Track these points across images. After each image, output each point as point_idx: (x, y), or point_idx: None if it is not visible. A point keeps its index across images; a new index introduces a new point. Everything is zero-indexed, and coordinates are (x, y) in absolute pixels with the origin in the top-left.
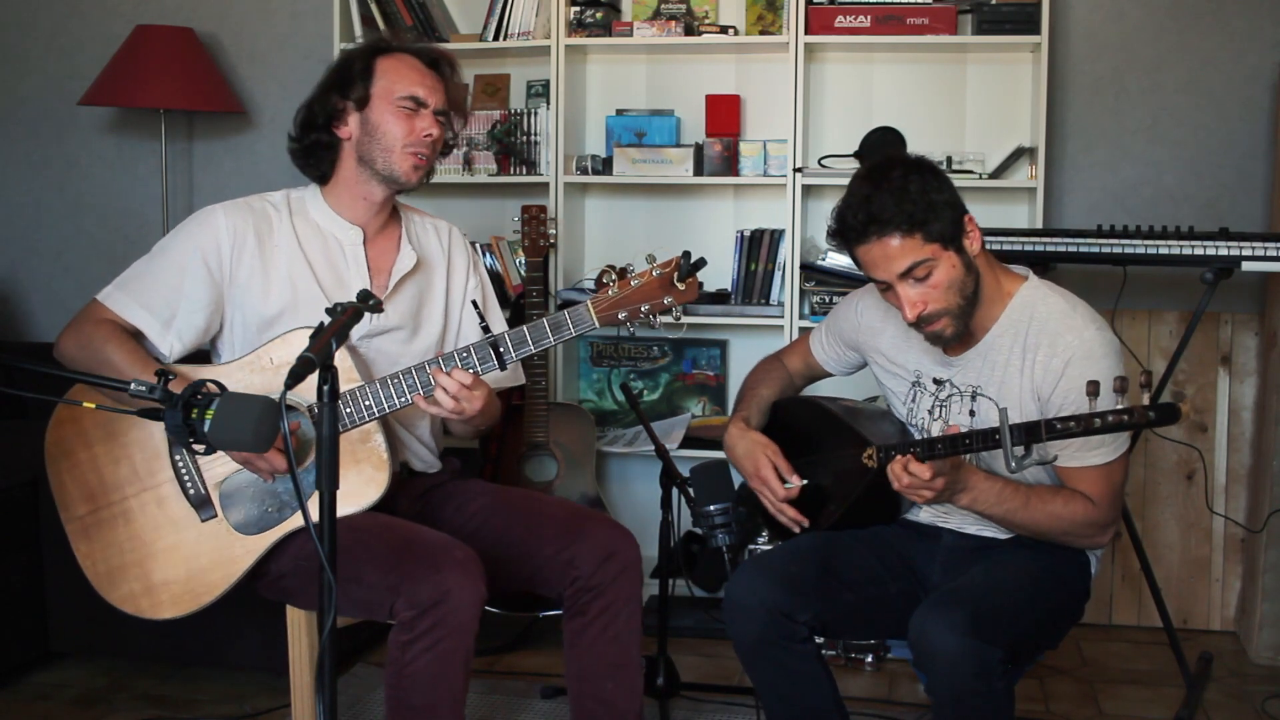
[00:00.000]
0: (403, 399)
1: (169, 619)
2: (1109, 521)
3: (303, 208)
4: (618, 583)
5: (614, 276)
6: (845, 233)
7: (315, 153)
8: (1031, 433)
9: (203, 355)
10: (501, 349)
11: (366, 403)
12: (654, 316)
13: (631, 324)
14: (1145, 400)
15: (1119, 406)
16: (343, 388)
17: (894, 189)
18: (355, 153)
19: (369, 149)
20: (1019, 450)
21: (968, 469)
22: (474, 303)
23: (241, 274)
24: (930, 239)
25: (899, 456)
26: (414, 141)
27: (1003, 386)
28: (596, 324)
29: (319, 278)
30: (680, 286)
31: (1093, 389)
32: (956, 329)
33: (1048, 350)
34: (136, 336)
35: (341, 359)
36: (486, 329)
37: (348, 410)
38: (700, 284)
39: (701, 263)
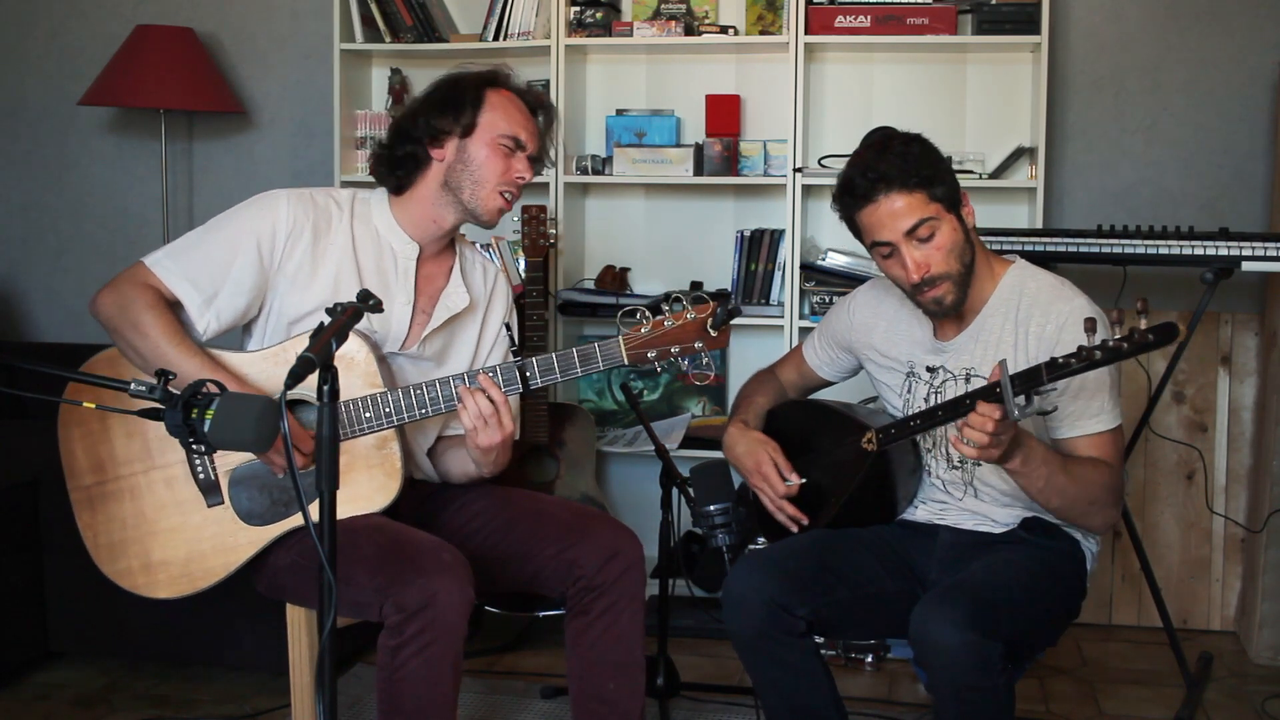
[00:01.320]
0: (423, 410)
1: (163, 599)
2: (1122, 488)
3: (366, 211)
4: (621, 582)
5: (648, 315)
6: (852, 192)
7: (403, 164)
8: (1032, 377)
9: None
10: (528, 374)
11: (387, 410)
12: (684, 359)
13: (660, 364)
14: (1143, 325)
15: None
16: (366, 393)
17: (898, 153)
18: (443, 176)
19: (459, 178)
20: (1020, 399)
21: (1018, 426)
22: (506, 325)
23: (290, 266)
24: (934, 199)
25: (960, 423)
26: (507, 182)
27: None
28: (626, 361)
29: (365, 283)
30: (713, 333)
31: (1090, 325)
32: (956, 296)
33: (1040, 320)
34: (175, 307)
35: (367, 364)
36: (517, 353)
37: (367, 415)
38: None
39: (737, 311)
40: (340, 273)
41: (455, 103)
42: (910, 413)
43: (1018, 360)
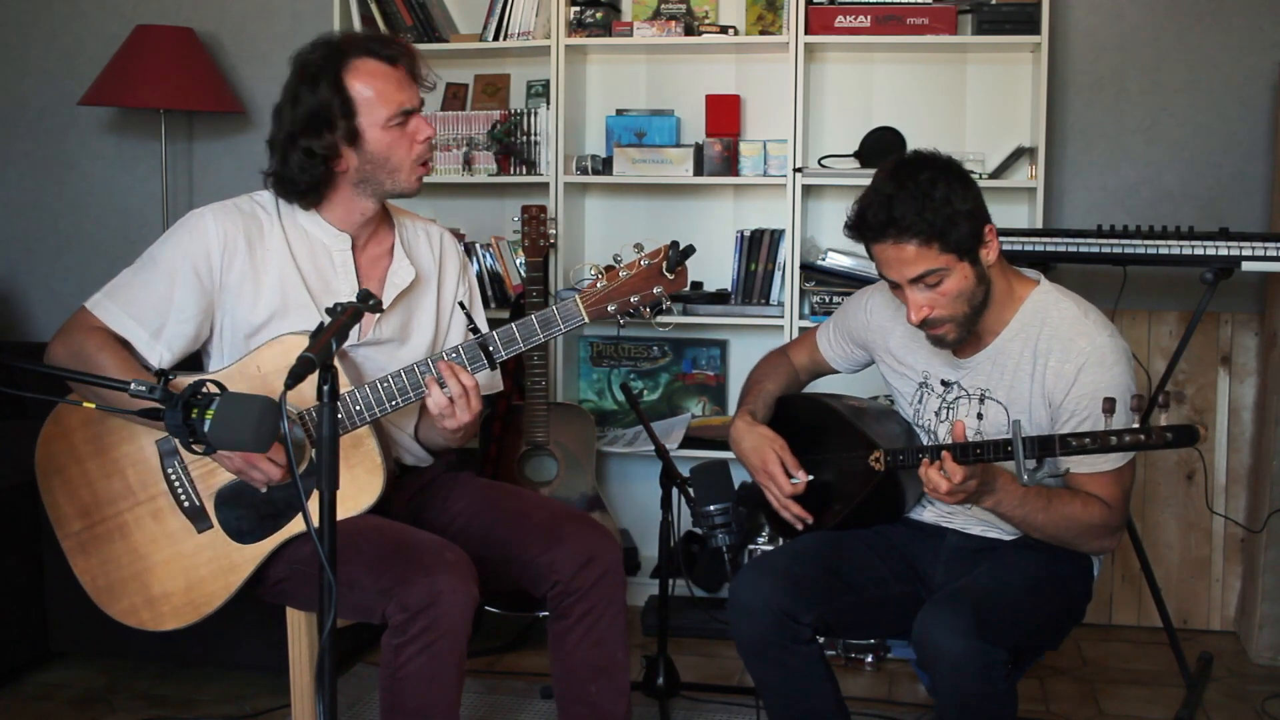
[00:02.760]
0: (393, 402)
1: (172, 630)
2: (1120, 525)
3: (292, 211)
4: (598, 587)
5: (601, 271)
6: (864, 228)
7: (308, 190)
8: (1045, 447)
9: (192, 360)
10: (491, 348)
11: (357, 407)
12: (645, 308)
13: (623, 317)
14: (1164, 421)
15: (1134, 425)
16: None
17: (918, 194)
18: (355, 177)
19: (374, 174)
20: (1031, 463)
21: (994, 469)
22: (461, 304)
23: (232, 280)
24: (946, 250)
25: (926, 460)
26: (417, 155)
27: (1012, 390)
28: (586, 318)
29: (308, 284)
30: (670, 276)
31: (1108, 405)
32: (959, 335)
33: (1060, 356)
34: (126, 344)
35: None
36: (475, 330)
37: (339, 416)
38: (692, 275)
39: (690, 250)
40: (284, 278)
41: (327, 116)
42: (920, 423)
43: (1032, 392)
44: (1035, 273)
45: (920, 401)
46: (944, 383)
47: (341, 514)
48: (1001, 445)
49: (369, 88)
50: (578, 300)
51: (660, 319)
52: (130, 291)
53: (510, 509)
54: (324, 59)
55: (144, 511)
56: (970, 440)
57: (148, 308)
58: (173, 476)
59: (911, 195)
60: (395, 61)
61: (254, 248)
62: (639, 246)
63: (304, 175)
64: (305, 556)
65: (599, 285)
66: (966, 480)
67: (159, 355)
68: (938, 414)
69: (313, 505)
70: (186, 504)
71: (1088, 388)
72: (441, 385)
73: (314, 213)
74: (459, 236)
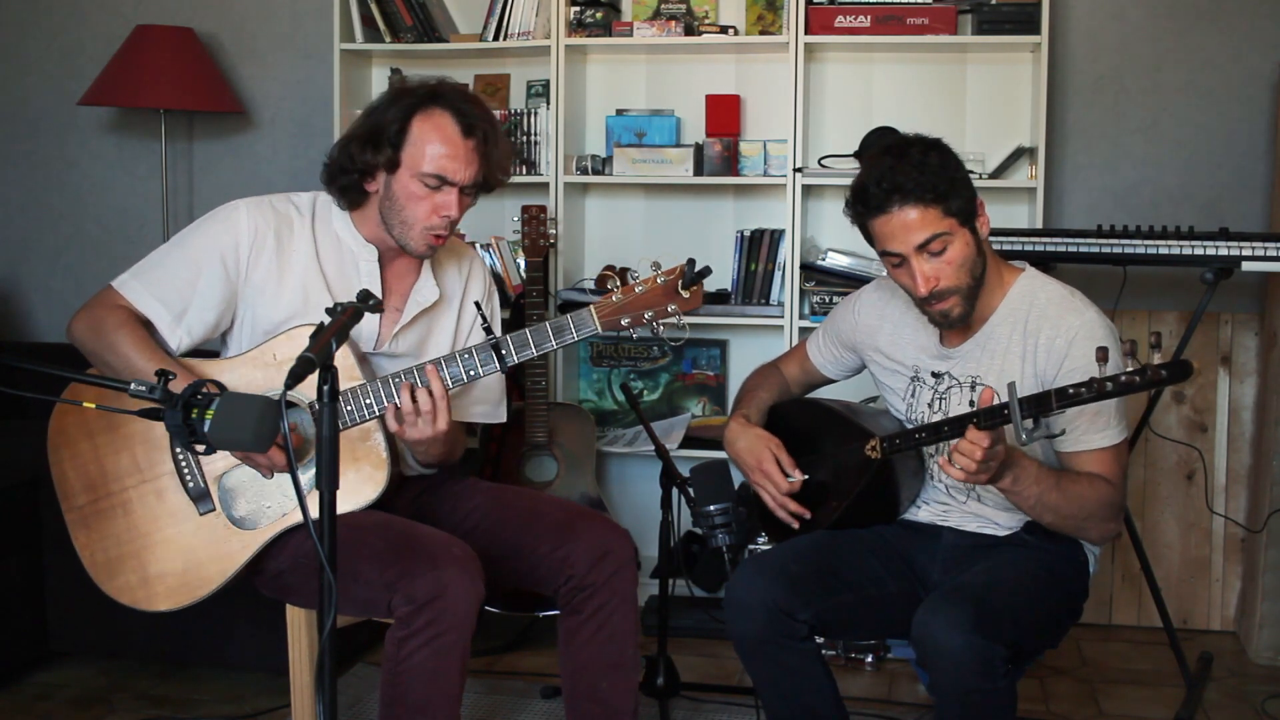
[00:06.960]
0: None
1: (164, 611)
2: (1122, 503)
3: (326, 215)
4: (612, 582)
5: (617, 282)
6: (866, 201)
7: (346, 191)
8: (1041, 403)
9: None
10: (504, 350)
11: (367, 401)
12: (657, 323)
13: (634, 329)
14: (1156, 361)
15: (1130, 369)
16: (344, 386)
17: (916, 163)
18: (378, 205)
19: (389, 214)
20: (1028, 423)
21: (1009, 445)
22: (476, 303)
23: (257, 275)
24: (949, 213)
25: (954, 442)
26: (431, 225)
27: (1003, 374)
28: (599, 329)
29: (331, 288)
30: (684, 294)
31: (1102, 355)
32: (964, 310)
33: (1050, 332)
34: (147, 325)
35: (344, 358)
36: (489, 330)
37: (348, 408)
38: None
39: (706, 271)
40: (306, 279)
41: (379, 135)
42: (914, 416)
43: (1024, 372)
44: (1021, 262)
45: (913, 395)
46: (934, 374)
47: (344, 506)
48: (997, 409)
49: (427, 136)
50: (592, 310)
51: (672, 335)
52: (157, 272)
53: (522, 506)
54: (415, 91)
55: (148, 489)
56: (966, 412)
57: (172, 290)
58: (180, 456)
59: (911, 164)
60: (470, 133)
61: (282, 246)
62: (656, 264)
63: (342, 176)
64: (309, 551)
65: (615, 298)
66: (994, 445)
67: (179, 339)
68: (930, 406)
69: (313, 502)
70: (191, 485)
71: (1079, 361)
72: (413, 389)
73: (348, 218)
74: (458, 236)
